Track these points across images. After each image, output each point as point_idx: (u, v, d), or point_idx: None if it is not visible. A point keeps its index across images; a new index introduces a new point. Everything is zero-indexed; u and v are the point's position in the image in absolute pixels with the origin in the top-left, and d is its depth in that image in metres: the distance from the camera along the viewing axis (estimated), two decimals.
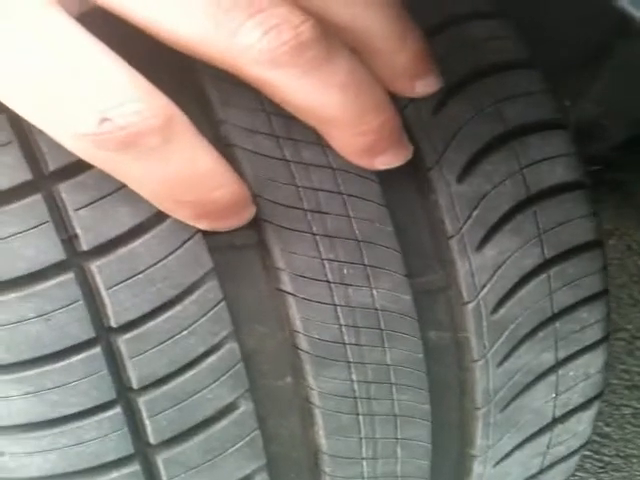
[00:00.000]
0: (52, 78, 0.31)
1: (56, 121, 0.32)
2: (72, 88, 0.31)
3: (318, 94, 0.35)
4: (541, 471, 0.58)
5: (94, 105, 0.31)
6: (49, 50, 0.31)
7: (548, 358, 0.51)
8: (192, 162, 0.35)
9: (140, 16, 0.33)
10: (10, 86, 0.32)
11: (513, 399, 0.51)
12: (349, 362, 0.45)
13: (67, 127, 0.32)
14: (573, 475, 0.95)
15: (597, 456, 0.96)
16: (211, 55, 0.34)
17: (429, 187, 0.44)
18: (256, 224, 0.41)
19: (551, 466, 0.58)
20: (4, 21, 0.31)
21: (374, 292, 0.44)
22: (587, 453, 0.96)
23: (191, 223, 0.38)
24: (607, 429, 0.99)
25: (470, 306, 0.46)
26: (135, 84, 0.32)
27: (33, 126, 0.36)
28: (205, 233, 0.41)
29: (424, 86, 0.40)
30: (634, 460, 0.96)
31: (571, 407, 0.55)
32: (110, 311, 0.40)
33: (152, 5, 0.32)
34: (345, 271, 0.43)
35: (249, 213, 0.39)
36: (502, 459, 0.55)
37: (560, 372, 0.52)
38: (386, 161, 0.40)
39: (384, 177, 0.43)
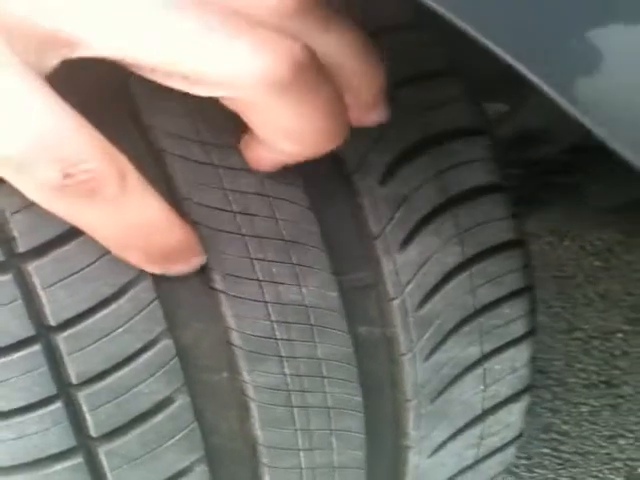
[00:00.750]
0: (19, 137, 0.34)
1: (21, 175, 0.35)
2: (38, 147, 0.34)
3: (303, 119, 0.37)
4: (477, 462, 0.61)
5: (58, 163, 0.35)
6: (15, 111, 0.34)
7: (474, 352, 0.54)
8: (143, 211, 0.38)
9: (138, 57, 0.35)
10: None
11: (442, 391, 0.54)
12: (281, 356, 0.47)
13: (32, 180, 0.35)
14: (531, 472, 0.98)
15: (556, 453, 0.99)
16: (200, 77, 0.35)
17: (354, 190, 0.46)
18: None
19: (486, 457, 0.61)
20: None
21: (303, 290, 0.46)
22: (546, 450, 0.99)
23: (141, 267, 0.41)
24: (565, 427, 1.02)
25: (396, 302, 0.49)
26: (95, 143, 0.36)
27: None
28: None
29: (378, 116, 0.42)
30: (591, 457, 0.98)
31: (500, 399, 0.57)
32: (48, 310, 0.42)
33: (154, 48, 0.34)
34: (274, 270, 0.45)
35: (198, 260, 0.42)
36: (436, 450, 0.57)
37: (486, 365, 0.55)
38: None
39: (309, 181, 0.45)
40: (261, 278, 0.45)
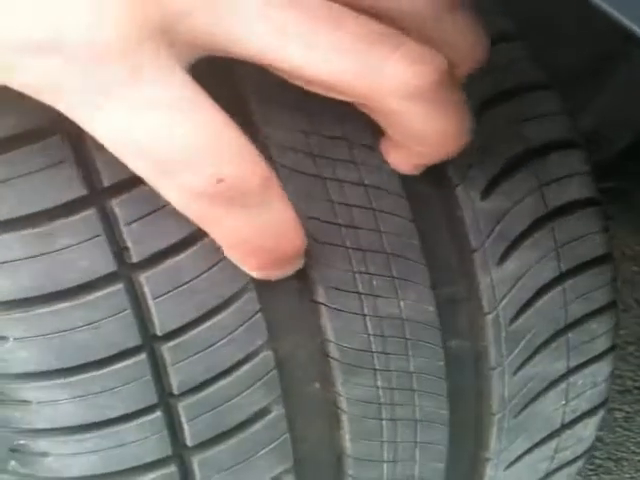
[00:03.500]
0: (176, 141, 0.34)
1: (168, 178, 0.35)
2: (193, 152, 0.34)
3: (437, 122, 0.37)
4: (547, 475, 0.61)
5: (211, 168, 0.34)
6: (173, 114, 0.33)
7: (559, 367, 0.53)
8: (278, 217, 0.38)
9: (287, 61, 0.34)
10: (134, 148, 0.34)
11: (526, 405, 0.53)
12: (375, 369, 0.47)
13: (178, 184, 0.35)
14: None
15: (589, 459, 0.98)
16: (355, 89, 0.35)
17: (455, 203, 0.46)
18: None
19: (557, 470, 0.61)
20: (130, 82, 0.32)
21: (401, 303, 0.46)
22: None
23: (250, 271, 0.41)
24: (599, 432, 0.99)
25: (490, 317, 0.48)
26: (246, 148, 0.35)
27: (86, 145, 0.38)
28: None
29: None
30: (625, 463, 0.98)
31: (579, 413, 0.57)
32: (156, 320, 0.42)
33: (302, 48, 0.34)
34: (375, 283, 0.45)
35: (300, 263, 0.42)
36: (513, 463, 0.57)
37: (570, 380, 0.54)
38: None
39: (412, 194, 0.45)
40: (362, 291, 0.45)
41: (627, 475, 0.97)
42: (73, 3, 0.31)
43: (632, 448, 0.99)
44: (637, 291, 1.24)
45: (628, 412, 1.04)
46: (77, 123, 0.34)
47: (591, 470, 0.98)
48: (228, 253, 0.40)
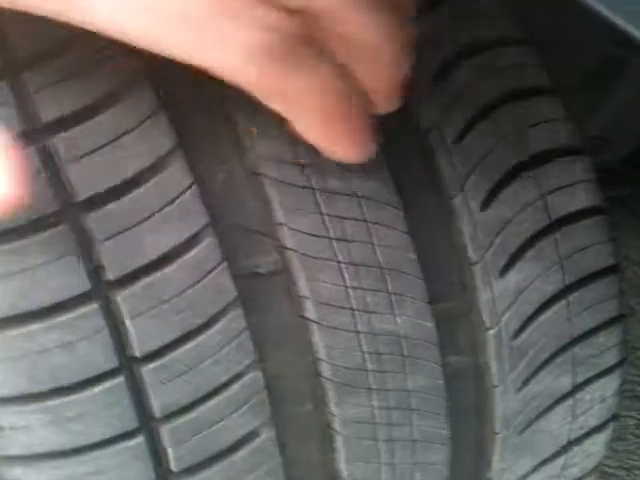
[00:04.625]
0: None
1: (229, 41, 0.32)
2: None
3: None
4: None
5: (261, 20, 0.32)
6: None
7: (566, 382, 0.51)
8: (338, 72, 0.35)
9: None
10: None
11: (531, 423, 0.51)
12: (371, 389, 0.45)
13: (240, 44, 0.32)
14: None
15: (600, 467, 0.96)
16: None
17: (453, 214, 0.44)
18: (281, 252, 0.41)
19: None
20: None
21: (397, 319, 0.44)
22: None
23: (333, 151, 0.37)
24: None
25: (491, 332, 0.46)
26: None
27: (61, 156, 0.36)
28: (229, 261, 0.40)
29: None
30: (637, 472, 0.95)
31: (586, 430, 0.55)
32: (134, 341, 0.40)
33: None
34: (369, 299, 0.43)
35: (372, 148, 0.38)
36: None
37: (577, 396, 0.52)
38: None
39: (408, 205, 0.43)
40: (355, 307, 0.43)
41: None
42: None
43: None
44: None
45: (639, 419, 1.01)
46: None
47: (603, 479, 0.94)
48: (302, 128, 0.36)
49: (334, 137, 0.37)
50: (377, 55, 0.36)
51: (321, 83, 0.34)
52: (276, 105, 0.34)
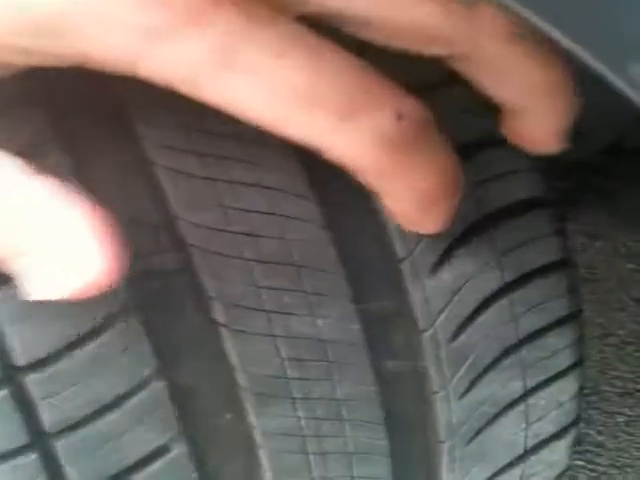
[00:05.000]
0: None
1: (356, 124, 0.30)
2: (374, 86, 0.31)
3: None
4: None
5: (392, 102, 0.31)
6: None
7: (516, 387, 0.48)
8: (446, 156, 0.33)
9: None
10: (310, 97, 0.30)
11: (479, 431, 0.49)
12: (294, 398, 0.42)
13: (370, 132, 0.31)
14: None
15: (591, 466, 0.94)
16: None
17: (375, 205, 0.40)
18: (181, 248, 0.37)
19: None
20: None
21: (318, 321, 0.41)
22: (580, 463, 0.94)
23: (433, 229, 0.35)
24: (600, 438, 0.97)
25: (426, 334, 0.43)
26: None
27: None
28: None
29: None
30: (629, 470, 0.93)
31: (543, 437, 0.52)
32: (17, 348, 0.36)
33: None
34: (284, 299, 0.39)
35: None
36: None
37: (529, 401, 0.50)
38: None
39: (324, 196, 0.39)
40: (269, 309, 0.39)
41: None
42: None
43: (636, 454, 0.94)
44: (633, 289, 1.19)
45: (630, 416, 0.99)
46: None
47: (594, 478, 0.93)
48: (393, 203, 0.34)
49: (431, 213, 0.35)
50: None
51: (439, 166, 0.33)
52: (377, 184, 0.33)
